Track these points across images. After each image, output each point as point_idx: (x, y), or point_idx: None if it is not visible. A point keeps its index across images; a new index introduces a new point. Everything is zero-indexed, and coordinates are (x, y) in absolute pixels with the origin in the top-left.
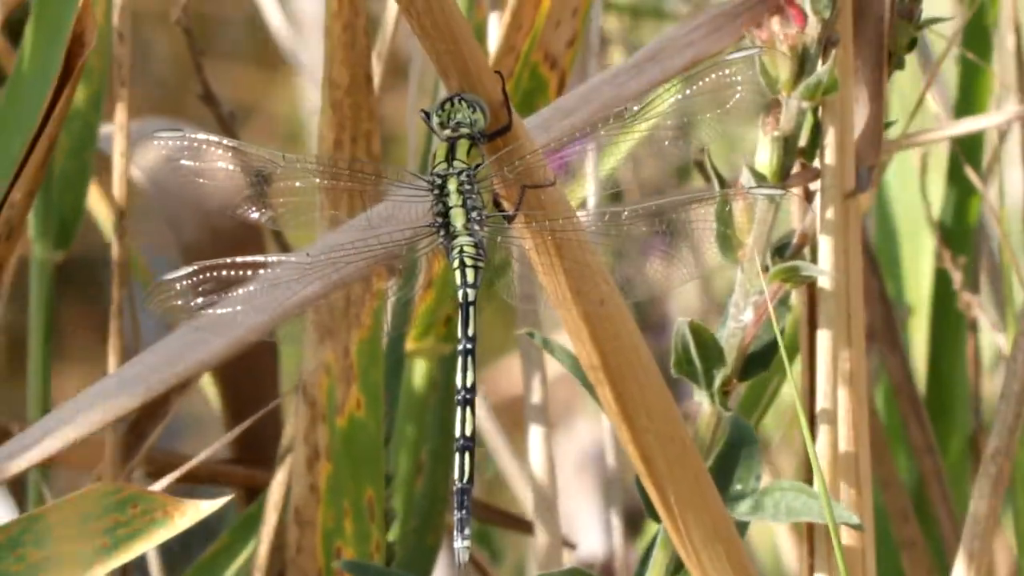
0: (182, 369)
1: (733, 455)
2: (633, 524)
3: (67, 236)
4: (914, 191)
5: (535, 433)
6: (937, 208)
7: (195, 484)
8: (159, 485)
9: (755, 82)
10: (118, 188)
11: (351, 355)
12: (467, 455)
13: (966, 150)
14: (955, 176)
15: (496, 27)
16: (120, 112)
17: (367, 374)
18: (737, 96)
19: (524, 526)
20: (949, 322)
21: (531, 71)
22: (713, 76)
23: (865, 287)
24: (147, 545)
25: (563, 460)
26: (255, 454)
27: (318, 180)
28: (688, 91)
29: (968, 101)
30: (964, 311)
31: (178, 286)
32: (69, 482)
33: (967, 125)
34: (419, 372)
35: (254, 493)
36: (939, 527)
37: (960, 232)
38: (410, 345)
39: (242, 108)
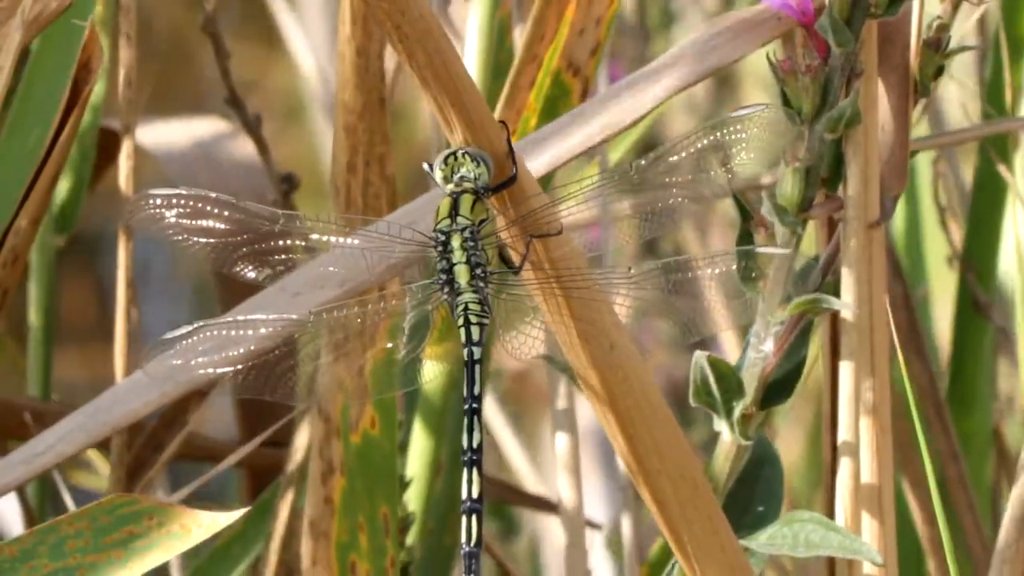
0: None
1: (755, 475)
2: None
3: (68, 220)
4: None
5: (560, 435)
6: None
7: (204, 462)
8: (176, 497)
9: (762, 139)
10: (125, 188)
11: (365, 375)
12: (475, 517)
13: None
14: (983, 165)
15: (519, 38)
16: (128, 113)
17: None
18: (743, 153)
19: (544, 504)
20: (972, 315)
21: (554, 78)
22: (719, 134)
23: (889, 291)
24: (163, 557)
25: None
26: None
27: (318, 238)
28: (694, 149)
29: (996, 95)
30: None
31: (179, 345)
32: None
33: (996, 126)
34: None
35: (265, 474)
36: (964, 532)
37: (985, 228)
38: (427, 349)
39: (241, 84)
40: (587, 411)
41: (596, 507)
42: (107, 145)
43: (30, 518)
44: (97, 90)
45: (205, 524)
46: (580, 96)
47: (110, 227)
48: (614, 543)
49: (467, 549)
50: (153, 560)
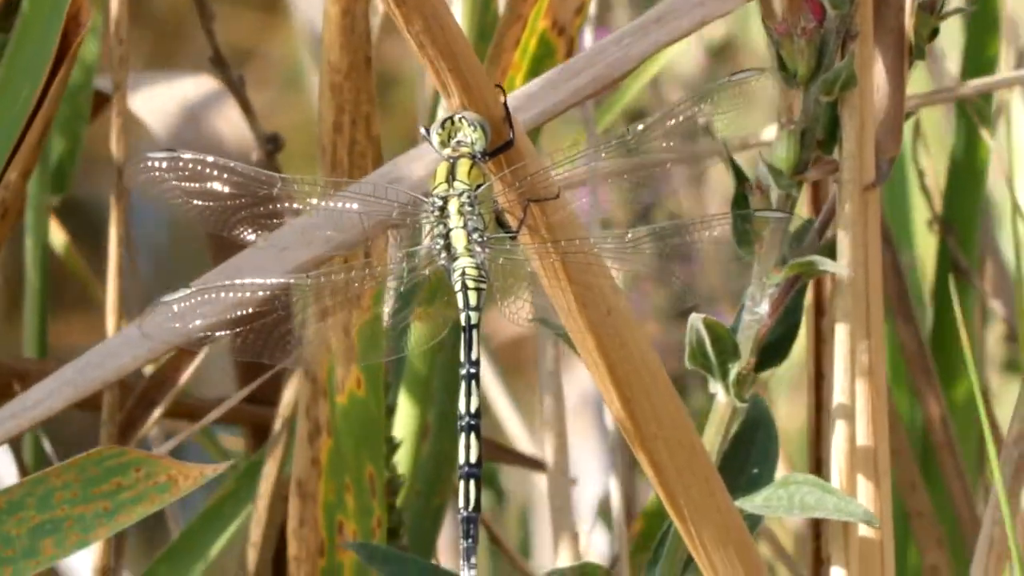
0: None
1: (750, 438)
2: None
3: (63, 180)
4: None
5: (546, 378)
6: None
7: (198, 421)
8: (164, 448)
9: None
10: (116, 146)
11: (351, 336)
12: (472, 482)
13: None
14: (961, 132)
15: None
16: (118, 70)
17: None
18: (739, 118)
19: (531, 462)
20: (954, 280)
21: (539, 37)
22: (715, 99)
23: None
24: (150, 509)
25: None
26: (263, 391)
27: (316, 201)
28: (690, 113)
29: (976, 58)
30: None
31: (176, 308)
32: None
33: (977, 85)
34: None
35: (263, 431)
36: (952, 498)
37: (965, 193)
38: (415, 312)
39: (239, 52)
40: (582, 378)
41: (595, 474)
42: (104, 110)
43: (25, 475)
44: (92, 49)
45: (193, 476)
46: (565, 55)
47: (106, 192)
48: (605, 508)
49: (465, 514)
50: (141, 512)
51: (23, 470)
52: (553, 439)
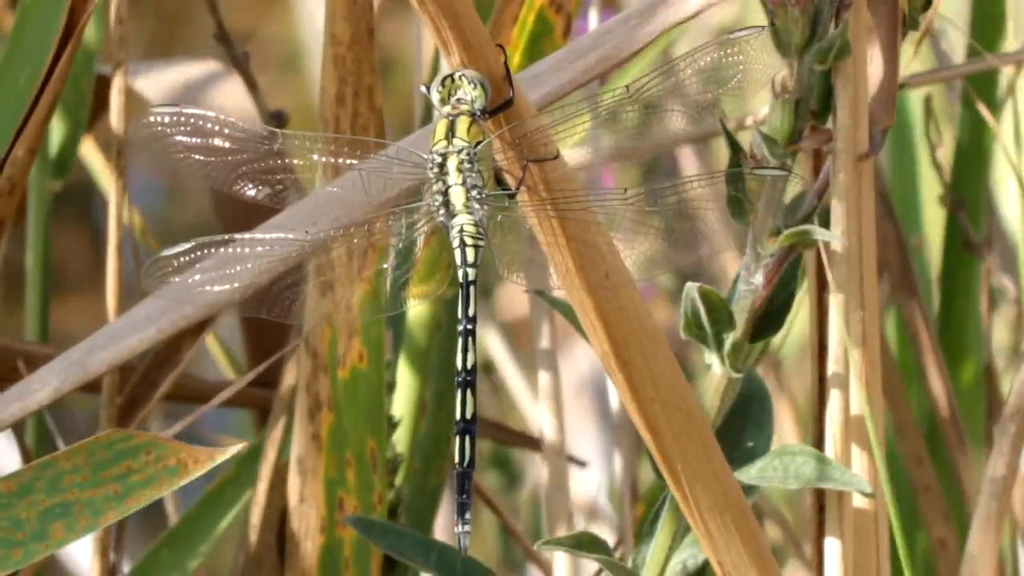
0: (192, 310)
1: (744, 411)
2: (633, 448)
3: (65, 165)
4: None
5: (542, 356)
6: (949, 145)
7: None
8: (172, 431)
9: (759, 61)
10: (116, 125)
11: (353, 309)
12: (468, 438)
13: (979, 85)
14: (967, 110)
15: None
16: (119, 50)
17: (369, 327)
18: (739, 76)
19: (535, 444)
20: (961, 257)
21: (537, 14)
22: (713, 56)
23: (881, 232)
24: (160, 492)
25: (564, 385)
26: (271, 374)
27: (316, 157)
28: (687, 72)
29: (981, 33)
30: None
31: (176, 263)
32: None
33: (981, 63)
34: (421, 312)
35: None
36: (955, 472)
37: (972, 171)
38: (412, 289)
39: (239, 35)
40: (582, 362)
41: (596, 459)
42: (104, 95)
43: (28, 460)
44: (93, 34)
45: (202, 459)
46: (563, 33)
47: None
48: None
49: (460, 469)
50: (151, 495)
51: (26, 455)
52: (550, 418)
